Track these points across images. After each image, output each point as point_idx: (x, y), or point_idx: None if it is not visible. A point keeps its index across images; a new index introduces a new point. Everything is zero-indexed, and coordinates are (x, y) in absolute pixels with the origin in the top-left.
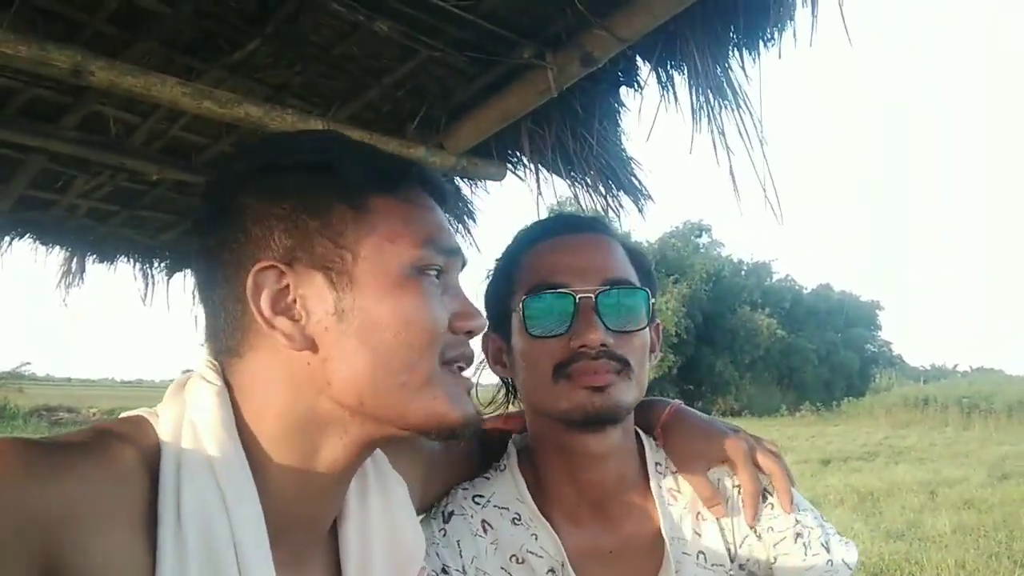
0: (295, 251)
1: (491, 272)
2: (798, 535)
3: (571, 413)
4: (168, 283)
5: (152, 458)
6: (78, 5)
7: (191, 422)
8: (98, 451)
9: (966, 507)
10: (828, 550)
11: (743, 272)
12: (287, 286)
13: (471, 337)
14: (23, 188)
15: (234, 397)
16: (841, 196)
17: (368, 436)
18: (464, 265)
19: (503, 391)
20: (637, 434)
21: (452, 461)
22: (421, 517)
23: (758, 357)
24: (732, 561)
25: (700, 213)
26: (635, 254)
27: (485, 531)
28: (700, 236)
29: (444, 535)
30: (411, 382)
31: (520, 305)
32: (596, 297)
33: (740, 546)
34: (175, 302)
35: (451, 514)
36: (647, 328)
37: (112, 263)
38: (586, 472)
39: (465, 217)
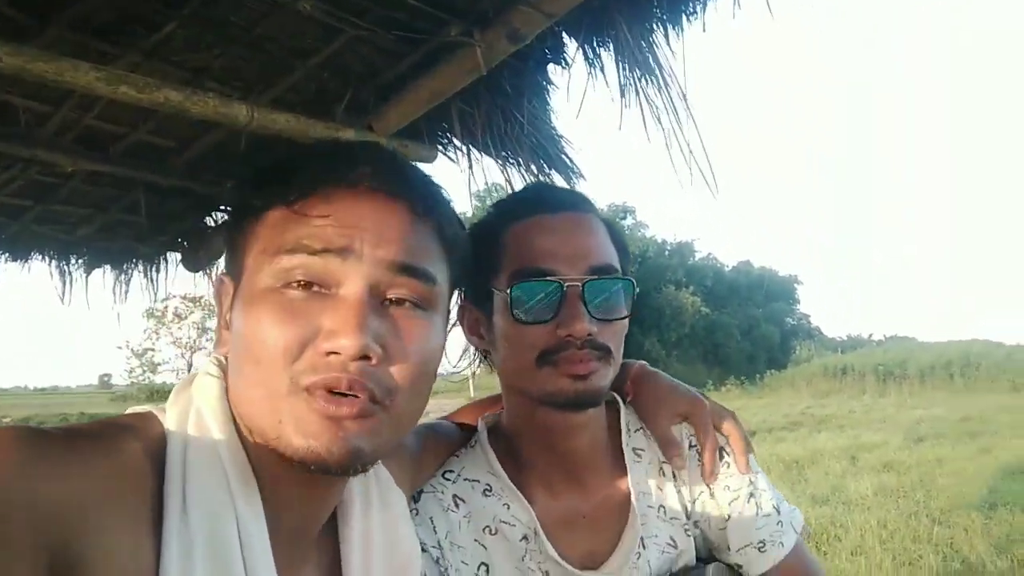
0: (229, 263)
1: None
2: (751, 495)
3: (554, 397)
4: (87, 280)
5: (158, 450)
6: None
7: (197, 411)
8: (104, 442)
9: (885, 470)
10: (779, 511)
11: (667, 252)
12: (228, 297)
13: (340, 358)
14: None
15: (230, 395)
16: (757, 171)
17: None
18: (400, 268)
19: (475, 357)
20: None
21: (438, 453)
22: None
23: (683, 335)
24: (688, 517)
25: (624, 195)
26: (614, 231)
27: (457, 505)
28: (625, 218)
29: (416, 514)
30: (263, 402)
31: (507, 290)
32: (583, 286)
33: (695, 503)
34: (95, 300)
35: (420, 492)
36: (629, 316)
37: (25, 261)
38: (562, 443)
39: None
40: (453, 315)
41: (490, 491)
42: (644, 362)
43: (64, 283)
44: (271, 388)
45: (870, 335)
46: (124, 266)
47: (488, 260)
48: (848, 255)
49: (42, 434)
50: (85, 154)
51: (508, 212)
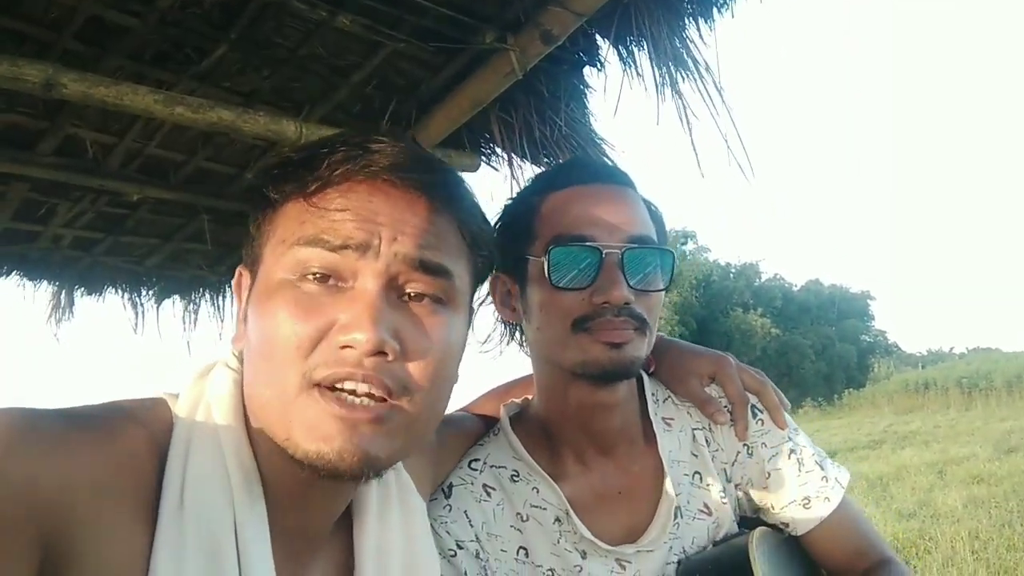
0: (247, 255)
1: (499, 214)
2: (791, 451)
3: (587, 366)
4: (158, 310)
5: (162, 439)
6: (47, 24)
7: (207, 402)
8: (104, 427)
9: (975, 482)
10: (823, 468)
11: (731, 275)
12: (246, 291)
13: (355, 352)
14: (6, 221)
15: (244, 387)
16: (824, 188)
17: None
18: (417, 263)
19: (501, 333)
20: None
21: (458, 445)
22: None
23: (755, 358)
24: (728, 481)
25: (684, 221)
26: (652, 208)
27: (488, 494)
28: (685, 243)
29: (449, 510)
30: (274, 401)
31: (545, 255)
32: (623, 254)
33: (733, 464)
34: (166, 329)
35: (451, 486)
36: (665, 289)
37: (100, 294)
38: (595, 423)
39: None
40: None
41: (517, 477)
42: (660, 333)
43: (136, 314)
44: (282, 386)
45: (951, 348)
46: (192, 295)
47: (524, 229)
48: (923, 267)
49: (38, 417)
50: (149, 182)
51: (546, 182)
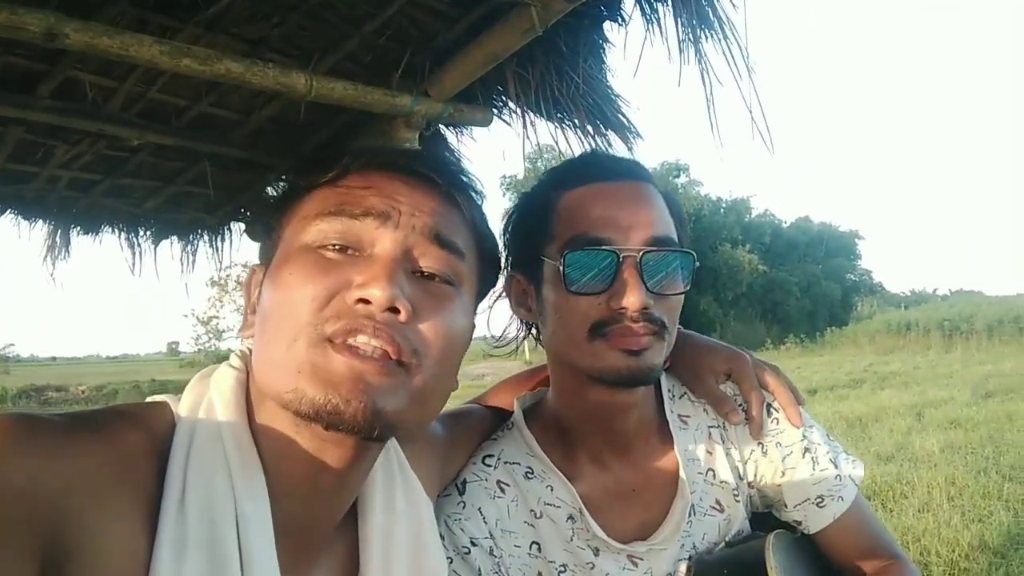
0: (264, 248)
1: (514, 210)
2: (806, 450)
3: (604, 373)
4: (155, 251)
5: (163, 442)
6: None
7: (209, 400)
8: (105, 431)
9: (952, 426)
10: (836, 465)
11: (722, 210)
12: (259, 284)
13: (368, 307)
14: (2, 162)
15: (250, 385)
16: (818, 126)
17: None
18: (434, 236)
19: (517, 332)
20: None
21: (469, 440)
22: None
23: (741, 294)
24: (742, 479)
25: (677, 152)
26: (672, 201)
27: (503, 490)
28: (678, 176)
29: (463, 507)
30: (283, 355)
31: (561, 258)
32: (641, 257)
33: (747, 463)
34: (163, 270)
35: (465, 482)
36: (685, 292)
37: (97, 234)
38: (611, 423)
39: None
40: (481, 315)
41: (532, 473)
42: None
43: (134, 255)
44: (293, 338)
45: (935, 290)
46: (190, 237)
47: (539, 228)
48: (911, 208)
49: (39, 421)
50: (150, 127)
51: (562, 179)
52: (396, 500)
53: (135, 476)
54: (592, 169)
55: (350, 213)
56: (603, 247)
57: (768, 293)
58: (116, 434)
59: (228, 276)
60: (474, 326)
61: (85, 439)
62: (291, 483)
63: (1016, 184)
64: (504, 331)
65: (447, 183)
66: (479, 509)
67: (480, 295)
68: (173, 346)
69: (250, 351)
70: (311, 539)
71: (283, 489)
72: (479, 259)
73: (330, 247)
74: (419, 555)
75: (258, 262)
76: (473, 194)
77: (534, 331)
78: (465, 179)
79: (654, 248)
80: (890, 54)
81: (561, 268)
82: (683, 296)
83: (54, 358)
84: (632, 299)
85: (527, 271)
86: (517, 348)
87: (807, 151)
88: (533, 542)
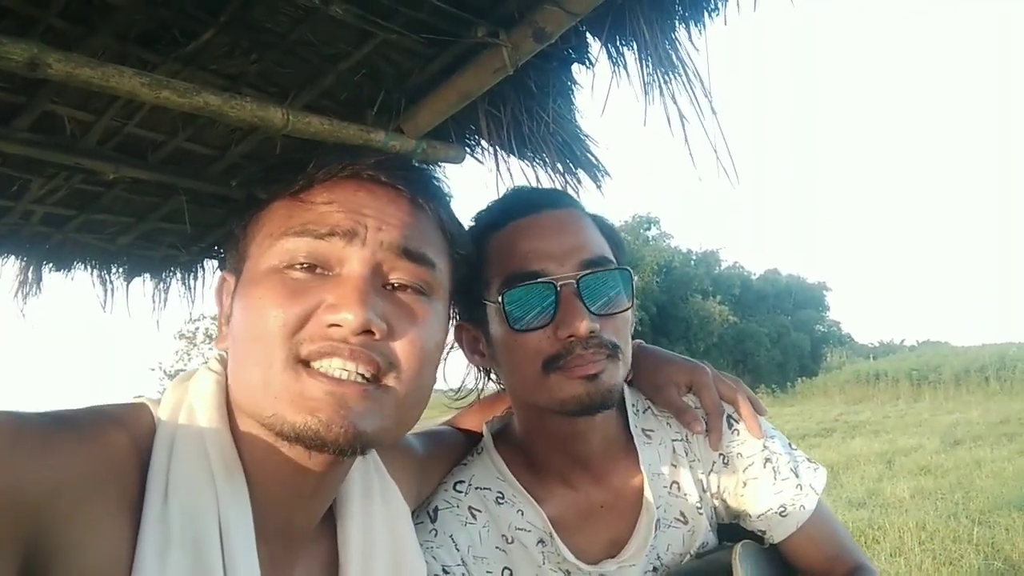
0: (231, 259)
1: None
2: (767, 460)
3: (565, 404)
4: (127, 288)
5: (145, 442)
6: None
7: (190, 404)
8: (88, 431)
9: (922, 473)
10: (797, 475)
11: (692, 262)
12: (230, 294)
13: (341, 331)
14: None
15: (229, 389)
16: (785, 179)
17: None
18: (402, 250)
19: (476, 380)
20: None
21: (443, 459)
22: None
23: (712, 344)
24: (705, 491)
25: (648, 206)
26: (603, 224)
27: (474, 516)
28: (649, 229)
29: (435, 535)
30: (259, 380)
31: (499, 298)
32: (578, 282)
33: (710, 474)
34: (135, 308)
35: (436, 510)
36: (631, 307)
37: (69, 271)
38: (576, 446)
39: None
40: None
41: (503, 498)
42: (639, 340)
43: (105, 292)
44: (268, 363)
45: (902, 340)
46: (163, 275)
47: (476, 274)
48: (878, 261)
49: (22, 420)
50: (126, 161)
51: (488, 221)
52: (374, 501)
53: (118, 475)
54: (515, 206)
55: (315, 233)
56: (538, 279)
57: (739, 344)
58: (99, 435)
59: (197, 329)
60: (447, 330)
61: (69, 439)
62: (272, 486)
63: (981, 237)
64: (463, 382)
65: (413, 190)
66: (451, 536)
67: (455, 292)
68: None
69: (226, 353)
70: (292, 540)
71: (264, 492)
72: (450, 260)
73: (297, 266)
74: (398, 554)
75: (227, 270)
76: (440, 196)
77: (493, 376)
78: (431, 183)
79: (589, 271)
80: (852, 108)
81: (502, 308)
82: (630, 312)
83: None
84: (579, 326)
85: (473, 318)
86: (479, 396)
87: (774, 204)
88: (505, 568)
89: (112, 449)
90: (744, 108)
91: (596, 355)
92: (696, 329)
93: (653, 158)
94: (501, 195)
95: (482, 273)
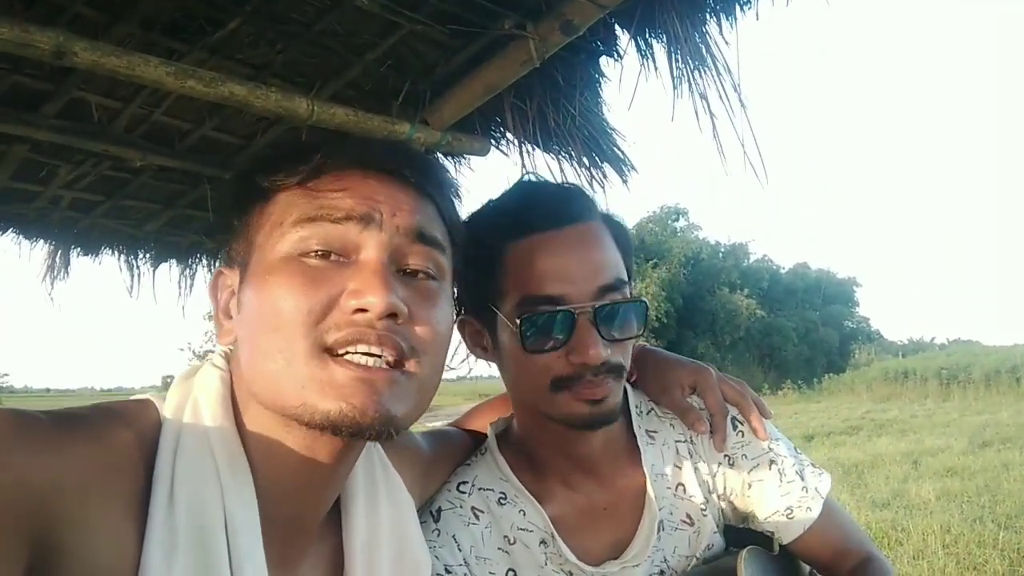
0: (231, 253)
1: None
2: (772, 462)
3: (570, 420)
4: (154, 274)
5: (150, 440)
6: None
7: (195, 401)
8: (93, 428)
9: (949, 475)
10: (803, 478)
11: (720, 254)
12: (231, 286)
13: (367, 315)
14: (5, 180)
15: (234, 384)
16: (817, 172)
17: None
18: (418, 234)
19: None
20: None
21: (448, 459)
22: None
23: (738, 338)
24: (711, 492)
25: (677, 196)
26: (618, 232)
27: (477, 517)
28: (677, 220)
29: (438, 535)
30: (283, 370)
31: (517, 320)
32: (595, 311)
33: (715, 476)
34: (161, 294)
35: (439, 510)
36: (641, 335)
37: (97, 256)
38: (578, 447)
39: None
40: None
41: (505, 499)
42: (643, 343)
43: (132, 277)
44: (292, 353)
45: (933, 339)
46: (189, 261)
47: (489, 278)
48: (910, 257)
49: (28, 418)
50: (153, 149)
51: (505, 227)
52: (379, 496)
53: (124, 472)
54: (535, 217)
55: (331, 218)
56: (558, 307)
57: (766, 338)
58: (105, 432)
59: None
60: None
61: (75, 437)
62: (279, 481)
63: (1014, 234)
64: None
65: (418, 178)
66: (453, 537)
67: (455, 279)
68: (168, 380)
69: (230, 349)
70: (298, 536)
71: (271, 487)
72: (453, 246)
73: (312, 254)
74: (403, 549)
75: (224, 264)
76: (443, 184)
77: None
78: (435, 171)
79: (607, 302)
80: (887, 102)
81: (518, 331)
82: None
83: (48, 389)
84: (592, 354)
85: (479, 316)
86: (471, 370)
87: (805, 197)
88: (509, 569)
89: (117, 447)
90: (776, 99)
91: (604, 380)
92: (723, 323)
93: (681, 148)
94: (517, 187)
95: (495, 280)
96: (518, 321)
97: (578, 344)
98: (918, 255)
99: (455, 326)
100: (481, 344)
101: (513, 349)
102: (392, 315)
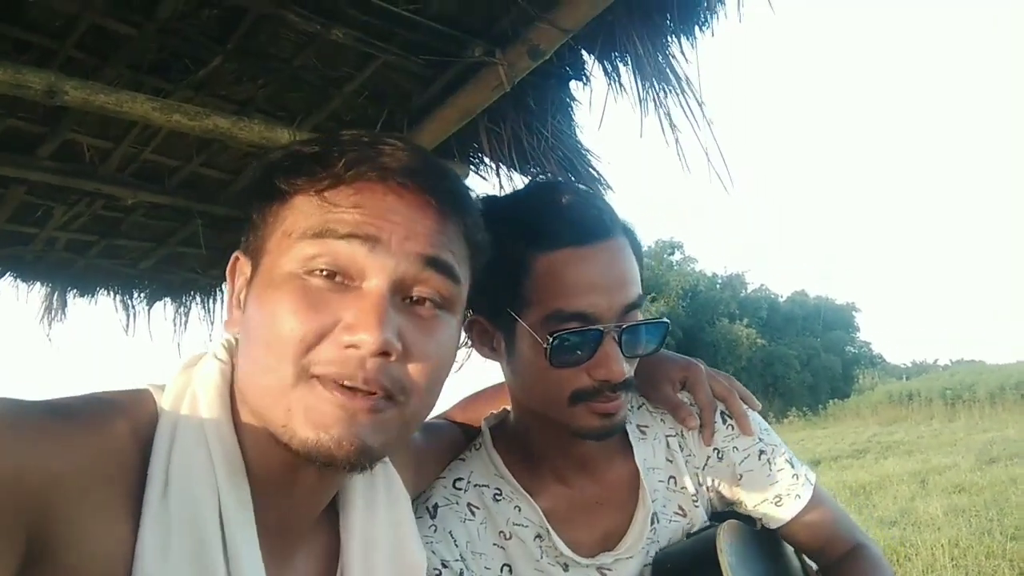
0: (249, 243)
1: None
2: (761, 452)
3: (582, 431)
4: (149, 313)
5: (146, 431)
6: (49, 32)
7: (193, 392)
8: (90, 419)
9: (957, 491)
10: (792, 465)
11: (718, 285)
12: (246, 275)
13: (359, 352)
14: (3, 223)
15: (235, 377)
16: (809, 200)
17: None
18: (429, 261)
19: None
20: None
21: (440, 453)
22: None
23: (741, 368)
24: (701, 485)
25: (671, 230)
26: (635, 244)
27: (473, 513)
28: (673, 253)
29: (435, 530)
30: (273, 387)
31: (545, 335)
32: (622, 331)
33: (704, 468)
34: (157, 331)
35: (436, 506)
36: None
37: (93, 296)
38: (574, 445)
39: None
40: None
41: (500, 495)
42: None
43: (128, 316)
44: (280, 375)
45: (935, 360)
46: (183, 298)
47: (510, 285)
48: (908, 280)
49: (22, 408)
50: (144, 187)
51: (533, 236)
52: (377, 492)
53: (119, 464)
54: (566, 230)
55: (336, 234)
56: (588, 326)
57: (768, 367)
58: (100, 422)
59: None
60: (459, 346)
61: (70, 428)
62: (274, 478)
63: (1014, 252)
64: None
65: (442, 200)
66: (450, 532)
67: (473, 286)
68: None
69: (236, 341)
70: (293, 532)
71: (266, 484)
72: (472, 274)
73: (317, 273)
74: (399, 546)
75: (241, 250)
76: (468, 205)
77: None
78: (460, 191)
79: (633, 322)
80: (883, 119)
81: (546, 346)
82: None
83: None
84: (615, 371)
85: (493, 319)
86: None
87: (799, 226)
88: (504, 564)
89: (113, 436)
90: (770, 123)
91: (620, 395)
92: (724, 353)
93: (674, 183)
94: (538, 190)
95: (519, 288)
96: (549, 337)
97: (603, 361)
98: (917, 278)
99: (464, 327)
100: (490, 345)
101: (535, 360)
102: (385, 353)
